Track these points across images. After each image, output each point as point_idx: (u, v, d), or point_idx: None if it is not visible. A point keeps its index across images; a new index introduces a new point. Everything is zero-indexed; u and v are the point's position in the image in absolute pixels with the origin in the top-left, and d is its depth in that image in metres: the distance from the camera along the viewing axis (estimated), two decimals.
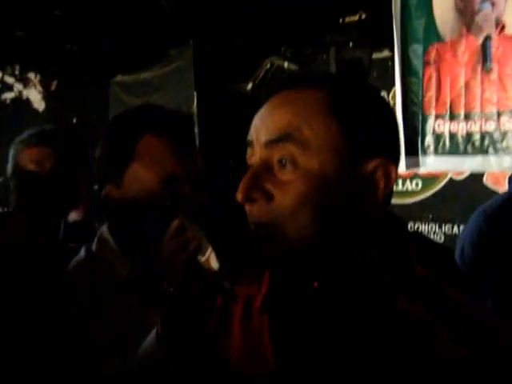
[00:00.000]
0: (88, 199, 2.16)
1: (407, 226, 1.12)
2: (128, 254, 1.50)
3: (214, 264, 1.11)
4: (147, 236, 1.34)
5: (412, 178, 4.02)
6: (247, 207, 0.99)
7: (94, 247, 1.56)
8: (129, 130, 1.50)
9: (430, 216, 4.00)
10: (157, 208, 1.38)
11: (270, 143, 0.97)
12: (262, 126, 1.00)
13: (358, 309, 0.94)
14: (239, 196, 0.98)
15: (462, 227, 3.72)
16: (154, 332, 1.19)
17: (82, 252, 1.57)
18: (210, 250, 1.12)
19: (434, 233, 3.97)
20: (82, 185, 2.09)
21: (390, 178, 0.99)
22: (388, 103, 1.09)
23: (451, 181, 3.90)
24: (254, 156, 1.01)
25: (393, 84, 3.60)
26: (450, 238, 3.82)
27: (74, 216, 2.27)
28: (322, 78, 1.08)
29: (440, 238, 3.93)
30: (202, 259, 1.12)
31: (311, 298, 0.98)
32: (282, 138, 0.96)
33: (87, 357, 1.34)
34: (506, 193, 2.73)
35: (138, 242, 1.45)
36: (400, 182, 4.08)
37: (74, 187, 2.07)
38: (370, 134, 0.99)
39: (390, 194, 1.02)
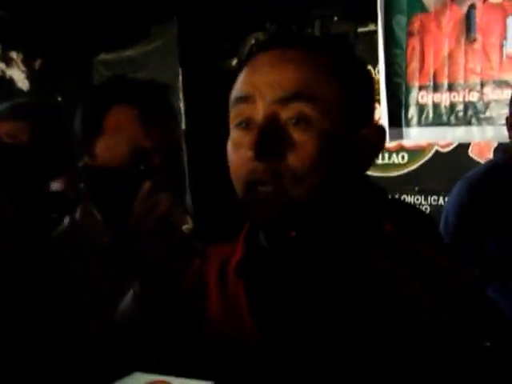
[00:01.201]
0: (70, 170, 2.16)
1: (386, 194, 1.13)
2: (110, 221, 1.52)
3: (188, 225, 1.12)
4: (122, 202, 1.37)
5: (398, 150, 4.03)
6: (253, 165, 0.95)
7: (77, 216, 1.58)
8: (98, 103, 1.52)
9: (416, 188, 4.02)
10: (128, 176, 1.41)
11: (282, 100, 0.94)
12: (268, 82, 0.96)
13: (333, 263, 0.95)
14: (250, 153, 0.93)
15: (447, 198, 3.75)
16: (131, 292, 1.21)
17: (66, 220, 1.59)
18: (183, 212, 1.14)
19: (420, 204, 3.99)
20: (61, 155, 2.08)
21: (382, 143, 1.02)
22: (370, 70, 1.12)
23: (437, 153, 3.92)
24: (251, 112, 0.97)
25: (378, 57, 3.60)
26: (436, 210, 3.85)
27: (56, 186, 2.26)
28: (321, 41, 1.08)
29: (426, 209, 3.96)
30: (176, 222, 1.14)
31: (287, 249, 0.99)
32: (295, 96, 0.94)
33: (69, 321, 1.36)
34: (489, 161, 2.77)
35: (116, 208, 1.47)
36: (386, 154, 4.09)
37: (52, 158, 2.06)
38: (365, 99, 1.02)
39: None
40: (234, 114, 1.00)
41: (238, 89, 1.00)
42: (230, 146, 1.01)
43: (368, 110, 1.03)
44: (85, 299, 1.40)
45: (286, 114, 0.94)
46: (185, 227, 1.13)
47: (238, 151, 0.98)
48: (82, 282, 1.43)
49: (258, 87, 0.96)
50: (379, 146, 1.02)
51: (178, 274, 1.17)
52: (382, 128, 1.04)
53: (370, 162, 1.02)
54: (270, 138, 0.93)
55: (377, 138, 1.01)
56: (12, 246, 1.43)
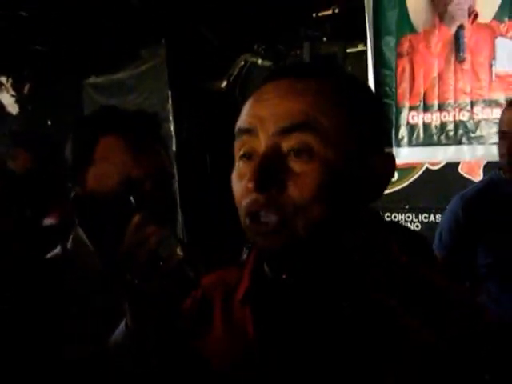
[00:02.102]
0: (63, 201, 2.17)
1: (382, 217, 1.12)
2: (101, 251, 1.53)
3: (179, 256, 1.11)
4: (112, 233, 1.36)
5: None
6: (253, 196, 0.93)
7: (69, 245, 1.59)
8: (87, 134, 1.53)
9: (407, 206, 4.04)
10: (118, 206, 1.39)
11: (283, 131, 0.92)
12: (270, 113, 0.94)
13: (331, 299, 0.95)
14: (251, 185, 0.91)
15: (438, 215, 3.78)
16: (123, 323, 1.20)
17: (58, 249, 1.59)
18: (175, 243, 1.13)
19: (412, 222, 4.01)
20: (54, 184, 2.09)
21: (392, 173, 0.99)
22: (379, 97, 1.09)
23: (427, 171, 3.94)
24: (254, 144, 0.96)
25: (368, 78, 3.62)
26: (428, 227, 3.87)
27: (49, 219, 2.27)
28: (328, 70, 1.04)
29: (417, 226, 3.98)
30: (167, 253, 1.13)
31: (281, 290, 0.98)
32: (298, 127, 0.91)
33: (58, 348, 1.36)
34: (482, 180, 2.80)
35: (107, 239, 1.47)
36: None
37: (45, 186, 2.07)
38: (372, 128, 0.98)
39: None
40: (238, 145, 0.99)
41: (241, 120, 0.98)
42: (234, 176, 0.99)
43: (378, 137, 0.99)
44: (77, 328, 1.40)
45: (287, 144, 0.92)
46: (176, 257, 1.13)
47: (240, 182, 0.97)
48: (74, 310, 1.43)
49: (260, 119, 0.95)
50: (388, 175, 0.99)
51: (172, 303, 1.16)
52: (391, 156, 1.00)
53: (380, 192, 0.99)
54: (269, 169, 0.91)
55: (386, 166, 0.98)
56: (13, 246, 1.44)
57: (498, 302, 2.47)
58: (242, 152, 0.97)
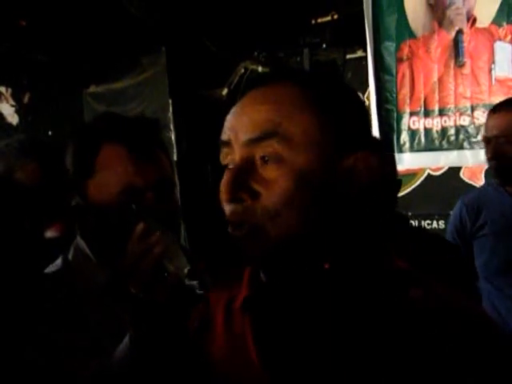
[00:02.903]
0: (66, 213, 2.15)
1: (407, 222, 1.10)
2: (103, 262, 1.50)
3: (184, 267, 1.10)
4: (115, 243, 1.33)
5: None
6: (230, 207, 0.95)
7: (70, 256, 1.56)
8: (87, 142, 1.51)
9: (410, 212, 4.03)
10: (121, 216, 1.38)
11: (252, 141, 0.94)
12: (241, 124, 0.96)
13: (367, 297, 0.93)
14: (224, 196, 0.94)
15: (441, 222, 3.77)
16: (127, 336, 1.18)
17: (59, 261, 1.56)
18: (180, 253, 1.11)
19: None
20: (57, 195, 2.07)
21: (371, 169, 0.96)
22: (358, 95, 1.08)
23: (429, 176, 3.93)
24: (232, 155, 0.98)
25: (367, 84, 3.63)
26: None
27: (52, 232, 2.25)
28: (297, 72, 1.06)
29: None
30: (172, 264, 1.12)
31: (322, 280, 0.96)
32: (265, 136, 0.93)
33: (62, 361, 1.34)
34: (483, 185, 2.83)
35: (109, 249, 1.45)
36: None
37: (52, 198, 2.06)
38: (349, 127, 0.97)
39: (377, 183, 1.00)
40: (221, 156, 1.01)
41: (222, 132, 1.00)
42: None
43: (357, 136, 0.98)
44: (80, 342, 1.38)
45: (258, 153, 0.94)
46: (181, 268, 1.11)
47: None
48: (76, 324, 1.41)
49: (234, 130, 0.97)
50: (371, 172, 0.97)
51: (178, 316, 1.15)
52: (371, 153, 0.98)
53: (370, 189, 0.97)
54: (239, 180, 0.93)
55: (366, 163, 0.96)
56: None
57: (490, 301, 2.53)
58: (224, 162, 0.99)
